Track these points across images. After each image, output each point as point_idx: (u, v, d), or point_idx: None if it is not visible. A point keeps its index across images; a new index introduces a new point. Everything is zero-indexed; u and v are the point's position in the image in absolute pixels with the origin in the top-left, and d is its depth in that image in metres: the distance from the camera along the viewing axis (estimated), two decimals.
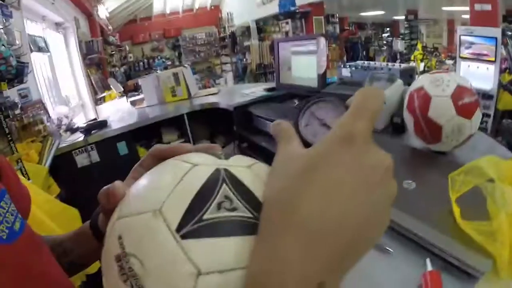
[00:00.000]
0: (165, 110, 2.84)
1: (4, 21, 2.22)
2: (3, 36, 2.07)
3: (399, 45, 9.76)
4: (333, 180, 0.24)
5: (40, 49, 3.60)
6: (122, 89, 5.82)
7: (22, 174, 1.73)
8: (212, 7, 11.05)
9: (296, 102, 2.29)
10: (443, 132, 1.06)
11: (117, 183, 0.33)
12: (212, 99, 2.83)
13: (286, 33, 7.85)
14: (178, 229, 0.23)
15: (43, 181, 1.82)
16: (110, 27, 8.87)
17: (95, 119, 2.96)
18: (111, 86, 5.95)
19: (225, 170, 0.28)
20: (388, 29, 11.28)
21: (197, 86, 4.12)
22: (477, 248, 0.71)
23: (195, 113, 2.72)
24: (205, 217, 0.24)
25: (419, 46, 7.94)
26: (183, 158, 0.30)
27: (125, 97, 4.09)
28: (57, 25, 5.00)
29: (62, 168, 2.30)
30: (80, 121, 3.26)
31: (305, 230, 0.22)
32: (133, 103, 3.38)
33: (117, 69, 9.14)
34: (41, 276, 0.43)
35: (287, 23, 8.00)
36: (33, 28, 3.83)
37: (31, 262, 0.42)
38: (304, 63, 2.14)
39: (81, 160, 2.40)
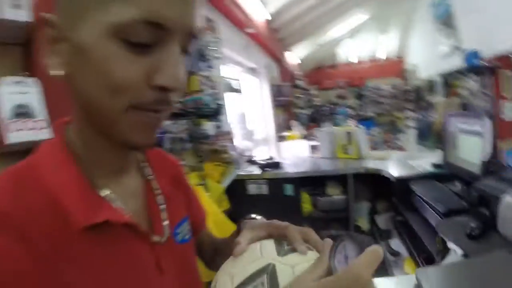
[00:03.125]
0: (333, 165, 3.09)
1: (207, 72, 2.76)
2: (206, 87, 2.61)
3: None
4: None
5: (234, 90, 4.29)
6: (304, 131, 6.28)
7: (205, 188, 2.20)
8: (397, 58, 10.66)
9: (459, 186, 2.09)
10: None
11: (242, 243, 0.50)
12: (378, 165, 2.87)
13: (471, 91, 7.07)
14: None
15: (218, 196, 2.29)
16: (299, 72, 9.33)
17: (271, 158, 3.43)
18: (293, 128, 6.64)
19: (273, 265, 0.45)
20: None
21: (372, 142, 4.20)
22: None
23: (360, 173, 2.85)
24: None
25: None
26: (260, 248, 0.50)
27: (305, 140, 4.43)
28: (252, 70, 5.76)
29: (236, 190, 2.78)
30: (260, 154, 3.84)
31: None
32: (313, 148, 3.70)
33: (302, 111, 9.26)
34: (190, 267, 0.67)
35: (472, 79, 7.24)
36: (230, 72, 4.53)
37: (186, 256, 0.65)
38: (469, 144, 1.91)
39: (252, 189, 2.86)
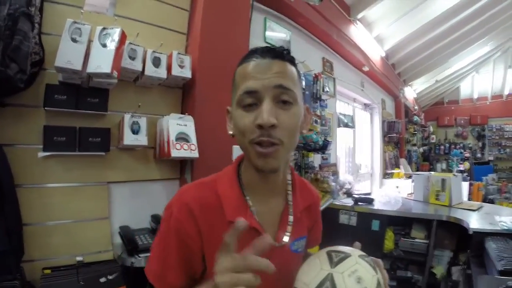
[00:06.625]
0: (422, 209, 3.23)
1: (321, 111, 3.19)
2: (317, 125, 3.01)
3: None
4: None
5: (346, 125, 4.59)
6: (413, 171, 6.15)
7: None
8: None
9: None
10: None
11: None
12: (462, 214, 2.87)
13: None
14: None
15: None
16: (416, 107, 8.99)
17: (368, 193, 3.76)
18: (401, 166, 6.64)
19: (331, 275, 0.63)
20: None
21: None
22: None
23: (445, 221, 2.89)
24: None
25: None
26: (319, 262, 0.68)
27: (410, 180, 4.39)
28: (365, 105, 5.94)
29: (328, 217, 3.13)
30: (359, 188, 4.15)
31: None
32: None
33: (416, 148, 8.92)
34: (291, 267, 0.80)
35: None
36: (343, 107, 4.89)
37: (292, 260, 0.86)
38: None
39: (343, 218, 3.24)
